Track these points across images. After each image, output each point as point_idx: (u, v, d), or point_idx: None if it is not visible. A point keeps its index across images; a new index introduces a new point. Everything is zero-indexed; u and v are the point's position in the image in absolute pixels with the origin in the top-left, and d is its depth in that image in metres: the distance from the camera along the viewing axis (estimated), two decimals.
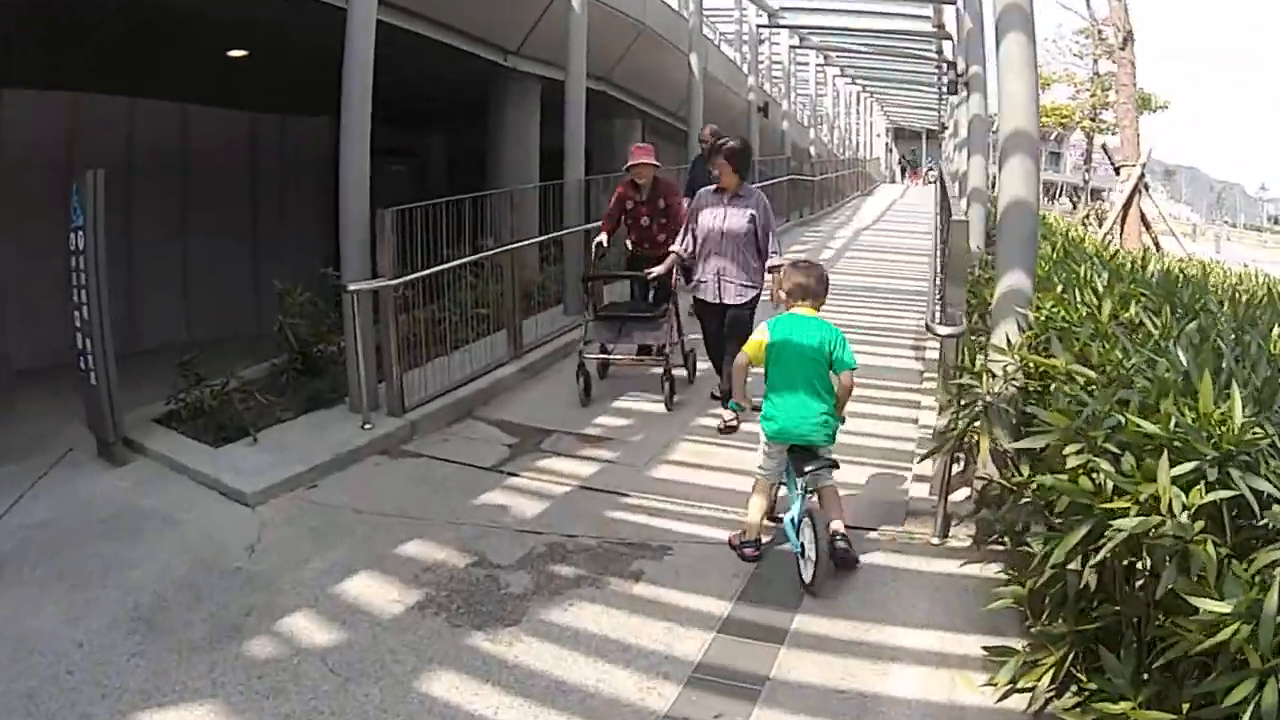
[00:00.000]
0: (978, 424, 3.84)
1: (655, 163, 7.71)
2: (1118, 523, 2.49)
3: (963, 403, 4.01)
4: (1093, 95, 34.30)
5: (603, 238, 7.65)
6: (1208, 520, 2.44)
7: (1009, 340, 3.94)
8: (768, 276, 6.35)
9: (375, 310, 6.47)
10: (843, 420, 4.40)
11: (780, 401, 4.30)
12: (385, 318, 6.42)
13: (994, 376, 3.81)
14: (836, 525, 4.20)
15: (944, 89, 29.84)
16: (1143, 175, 18.61)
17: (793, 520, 4.25)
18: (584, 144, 9.92)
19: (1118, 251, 9.08)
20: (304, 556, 4.54)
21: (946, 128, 31.21)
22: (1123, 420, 2.73)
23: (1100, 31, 31.39)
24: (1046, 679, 2.94)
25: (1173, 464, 2.49)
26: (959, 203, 9.13)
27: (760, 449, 4.53)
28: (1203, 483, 2.48)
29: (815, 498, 4.28)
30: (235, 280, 13.21)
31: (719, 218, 6.43)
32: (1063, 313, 4.13)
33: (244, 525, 4.94)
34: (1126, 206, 17.82)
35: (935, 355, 8.08)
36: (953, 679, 3.36)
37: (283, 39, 10.30)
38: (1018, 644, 3.24)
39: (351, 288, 6.15)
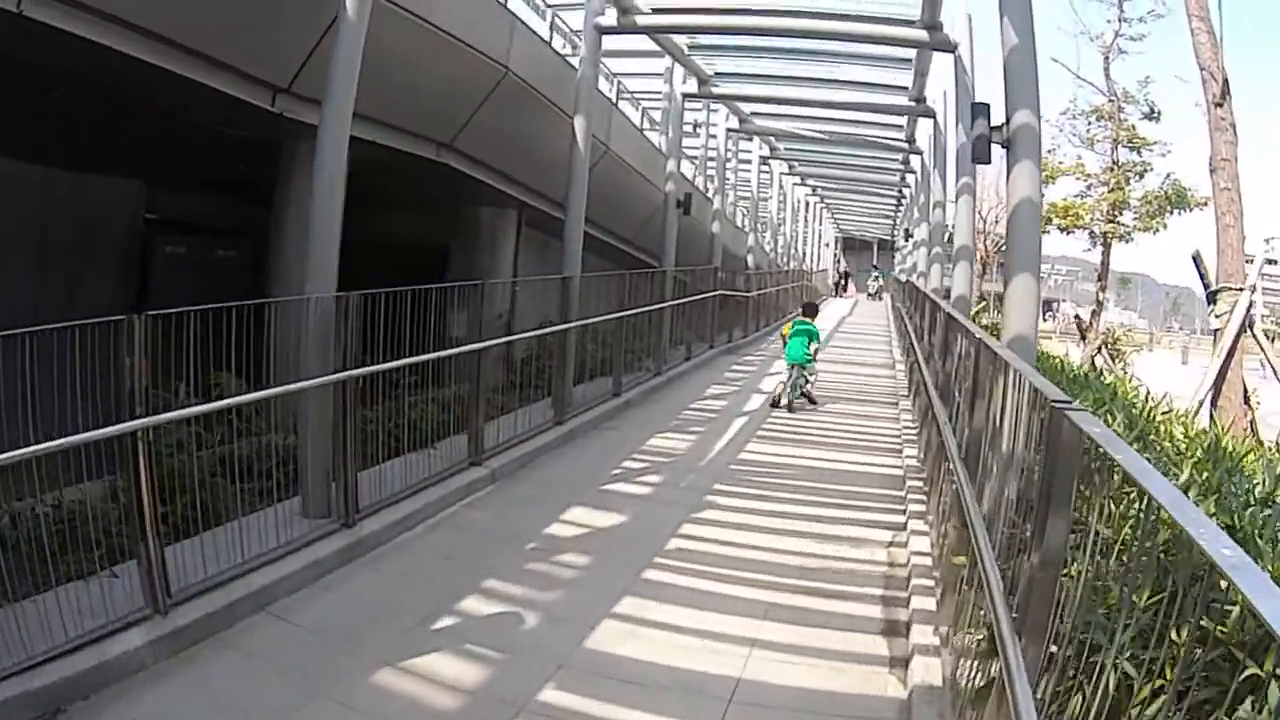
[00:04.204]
0: None
1: None
2: None
3: None
4: (1112, 190, 29.36)
5: None
6: None
7: None
8: None
9: None
10: (815, 356, 12.52)
11: (791, 347, 12.12)
12: None
13: None
14: (809, 390, 12.46)
15: (895, 159, 27.08)
16: (1253, 304, 14.02)
17: (791, 385, 12.17)
18: (338, 231, 6.65)
19: None
20: None
21: (911, 235, 28.14)
22: None
23: (1121, 109, 28.65)
24: None
25: None
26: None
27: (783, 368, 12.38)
28: None
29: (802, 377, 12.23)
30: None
31: None
32: None
33: None
34: (1231, 351, 13.43)
35: (926, 657, 4.47)
36: None
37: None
38: None
39: None
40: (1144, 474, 1.99)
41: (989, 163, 6.60)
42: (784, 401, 12.15)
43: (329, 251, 6.52)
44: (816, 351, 12.53)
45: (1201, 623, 2.11)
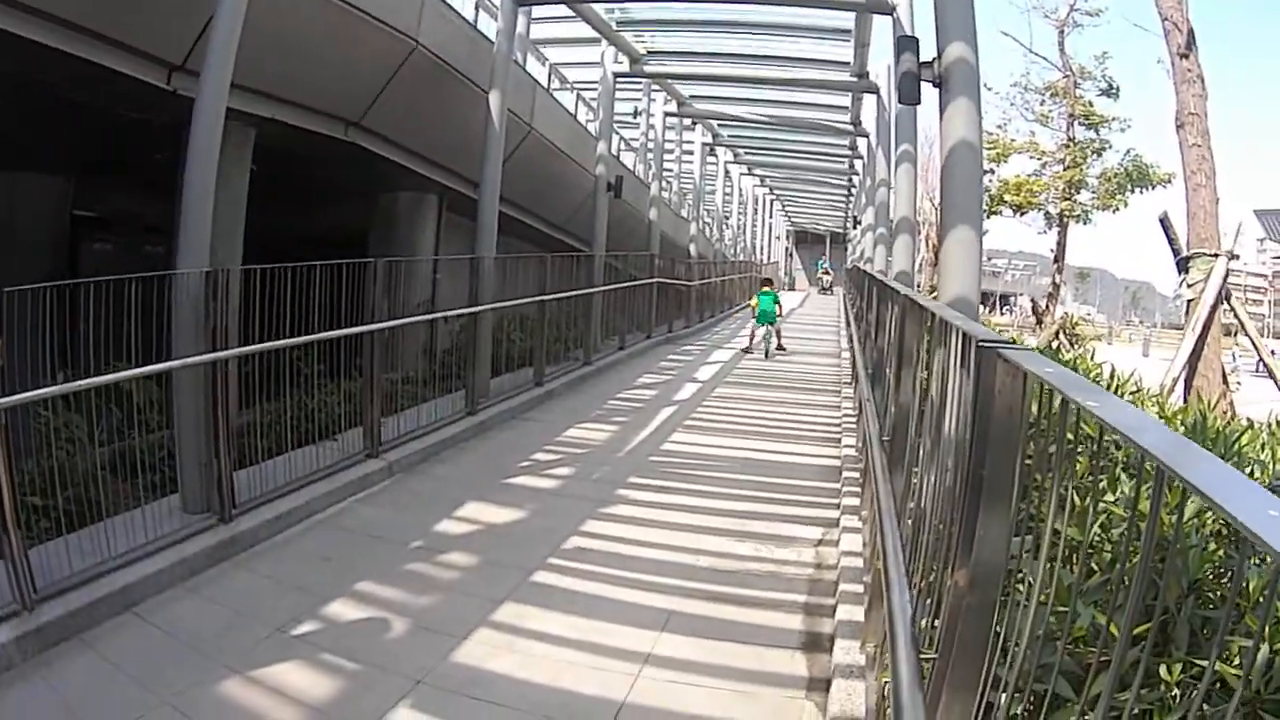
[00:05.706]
0: None
1: None
2: None
3: None
4: (1068, 167, 28.55)
5: None
6: None
7: None
8: None
9: None
10: (780, 315, 17.87)
11: (761, 311, 17.09)
12: None
13: None
14: (776, 342, 17.34)
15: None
16: (1228, 274, 12.98)
17: (764, 338, 17.11)
18: (210, 207, 6.01)
19: None
20: None
21: (859, 221, 27.84)
22: None
23: (1077, 85, 28.25)
24: None
25: None
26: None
27: (750, 324, 17.68)
28: None
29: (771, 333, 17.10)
30: None
31: None
32: None
33: None
34: (1207, 325, 12.65)
35: (850, 680, 3.98)
36: None
37: None
38: None
39: None
40: (1136, 427, 1.36)
41: (919, 103, 6.19)
42: (754, 349, 17.08)
43: (201, 229, 5.99)
44: (781, 310, 17.71)
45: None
